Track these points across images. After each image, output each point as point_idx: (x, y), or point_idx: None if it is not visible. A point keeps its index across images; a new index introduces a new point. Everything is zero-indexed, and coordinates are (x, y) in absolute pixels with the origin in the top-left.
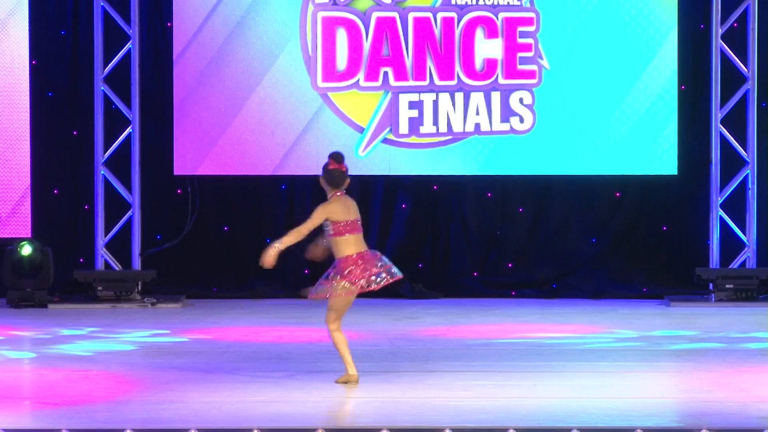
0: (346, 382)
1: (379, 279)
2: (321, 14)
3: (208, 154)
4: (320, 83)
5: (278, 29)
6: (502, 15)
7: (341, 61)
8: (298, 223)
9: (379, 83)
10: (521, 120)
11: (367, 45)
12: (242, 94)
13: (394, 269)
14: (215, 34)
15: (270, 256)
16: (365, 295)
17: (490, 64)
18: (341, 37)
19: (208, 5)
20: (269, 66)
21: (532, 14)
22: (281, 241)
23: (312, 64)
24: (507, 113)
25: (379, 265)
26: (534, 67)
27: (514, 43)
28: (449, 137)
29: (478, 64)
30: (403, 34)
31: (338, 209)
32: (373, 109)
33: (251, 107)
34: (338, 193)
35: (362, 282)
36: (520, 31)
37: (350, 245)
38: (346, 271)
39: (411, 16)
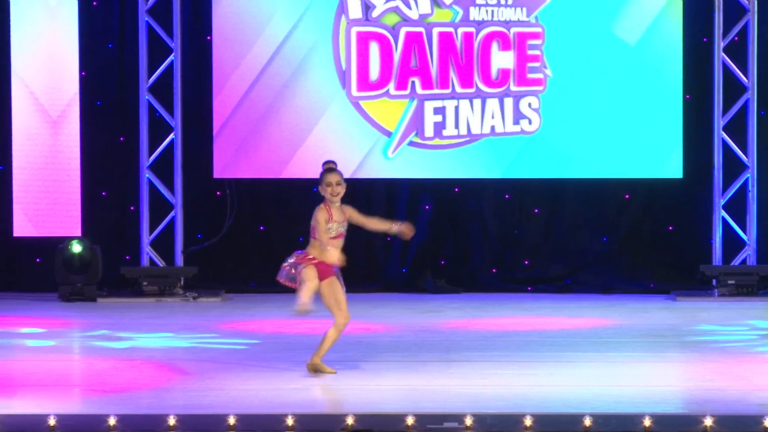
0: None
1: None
2: (355, 29)
3: (245, 159)
4: (354, 92)
5: (310, 41)
6: (513, 30)
7: (374, 72)
8: None
9: (407, 92)
10: (530, 122)
11: (397, 57)
12: (277, 104)
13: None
14: (252, 48)
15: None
16: (390, 290)
17: (504, 73)
18: (374, 49)
19: (245, 21)
20: (302, 76)
21: (539, 29)
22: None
23: (347, 75)
24: (518, 116)
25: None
26: (540, 75)
27: (524, 54)
28: (467, 138)
29: (494, 73)
30: (429, 47)
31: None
32: (399, 115)
33: (285, 115)
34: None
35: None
36: (529, 44)
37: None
38: None
39: (435, 30)
